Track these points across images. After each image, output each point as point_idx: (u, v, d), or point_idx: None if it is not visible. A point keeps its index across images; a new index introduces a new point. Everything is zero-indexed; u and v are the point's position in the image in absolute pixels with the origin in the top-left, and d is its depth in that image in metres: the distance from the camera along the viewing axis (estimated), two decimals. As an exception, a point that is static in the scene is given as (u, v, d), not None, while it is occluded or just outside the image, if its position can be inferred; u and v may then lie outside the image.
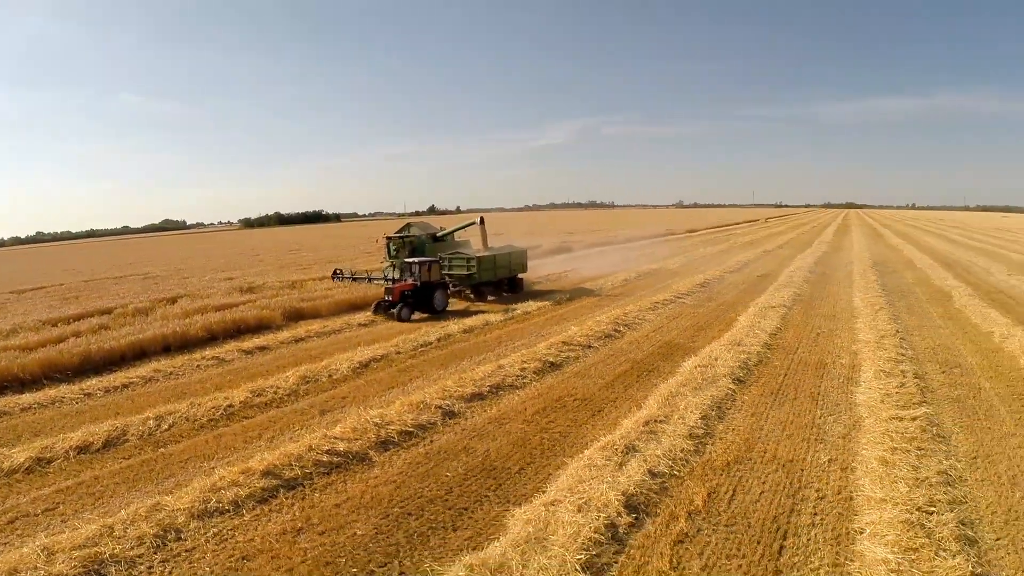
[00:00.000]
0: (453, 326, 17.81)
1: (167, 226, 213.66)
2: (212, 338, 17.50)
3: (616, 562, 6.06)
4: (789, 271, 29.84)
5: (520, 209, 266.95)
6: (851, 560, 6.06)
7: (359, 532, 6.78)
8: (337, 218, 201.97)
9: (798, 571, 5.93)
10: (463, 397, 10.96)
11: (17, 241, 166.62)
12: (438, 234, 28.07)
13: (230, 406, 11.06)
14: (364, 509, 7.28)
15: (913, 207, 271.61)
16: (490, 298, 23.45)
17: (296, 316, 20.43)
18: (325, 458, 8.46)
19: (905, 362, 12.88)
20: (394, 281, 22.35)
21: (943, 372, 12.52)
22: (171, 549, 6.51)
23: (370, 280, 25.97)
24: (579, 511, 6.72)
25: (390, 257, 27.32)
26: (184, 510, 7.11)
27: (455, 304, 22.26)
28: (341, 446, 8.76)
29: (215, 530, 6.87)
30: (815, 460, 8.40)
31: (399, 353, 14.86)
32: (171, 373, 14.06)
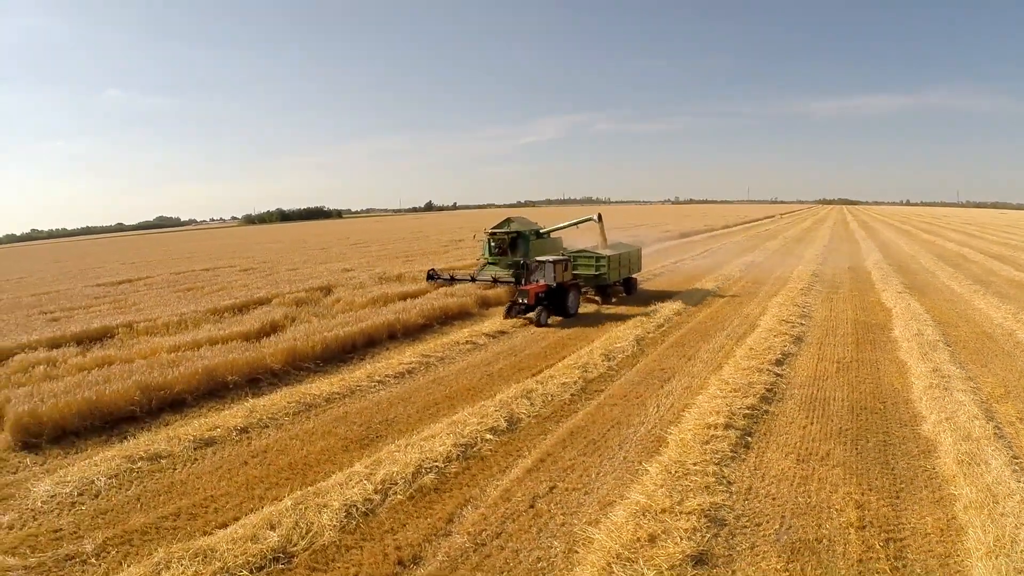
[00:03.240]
0: (661, 314, 19.76)
1: (161, 223, 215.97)
2: (427, 325, 19.19)
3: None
4: (873, 263, 33.84)
5: (513, 205, 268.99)
6: None
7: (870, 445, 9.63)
8: (339, 214, 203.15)
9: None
10: (772, 362, 13.79)
11: (13, 239, 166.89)
12: (541, 230, 27.63)
13: (575, 382, 12.83)
14: (833, 436, 9.88)
15: (907, 203, 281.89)
16: (613, 300, 23.29)
17: (484, 304, 22.39)
18: (750, 410, 10.83)
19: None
20: (521, 282, 21.83)
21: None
22: (752, 494, 8.00)
23: (473, 280, 25.58)
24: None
25: (491, 254, 27.07)
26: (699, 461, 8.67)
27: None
28: (748, 402, 11.18)
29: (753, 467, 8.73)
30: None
31: (650, 333, 17.28)
32: (442, 358, 15.31)
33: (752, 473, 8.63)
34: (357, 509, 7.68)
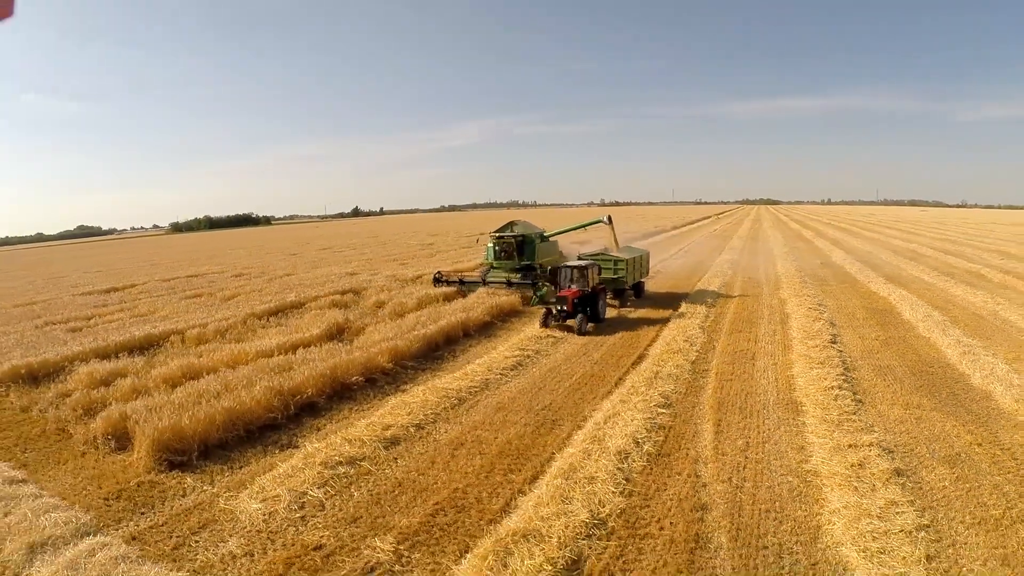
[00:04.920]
0: (696, 310, 22.73)
1: (83, 232, 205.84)
2: (490, 322, 21.23)
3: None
4: (840, 259, 39.56)
5: (438, 210, 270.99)
6: None
7: (943, 395, 12.52)
8: (267, 221, 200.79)
9: None
10: (827, 342, 17.17)
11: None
12: (545, 234, 28.88)
13: (683, 364, 15.29)
14: (914, 391, 12.88)
15: (828, 202, 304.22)
16: (628, 304, 24.26)
17: (527, 301, 23.97)
18: (843, 377, 13.89)
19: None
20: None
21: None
22: (892, 431, 10.88)
23: (485, 283, 26.25)
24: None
25: (497, 258, 27.82)
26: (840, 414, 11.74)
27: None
28: (837, 371, 14.37)
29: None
30: None
31: (707, 323, 20.18)
32: (537, 351, 17.26)
33: (880, 419, 11.58)
34: (618, 477, 9.22)
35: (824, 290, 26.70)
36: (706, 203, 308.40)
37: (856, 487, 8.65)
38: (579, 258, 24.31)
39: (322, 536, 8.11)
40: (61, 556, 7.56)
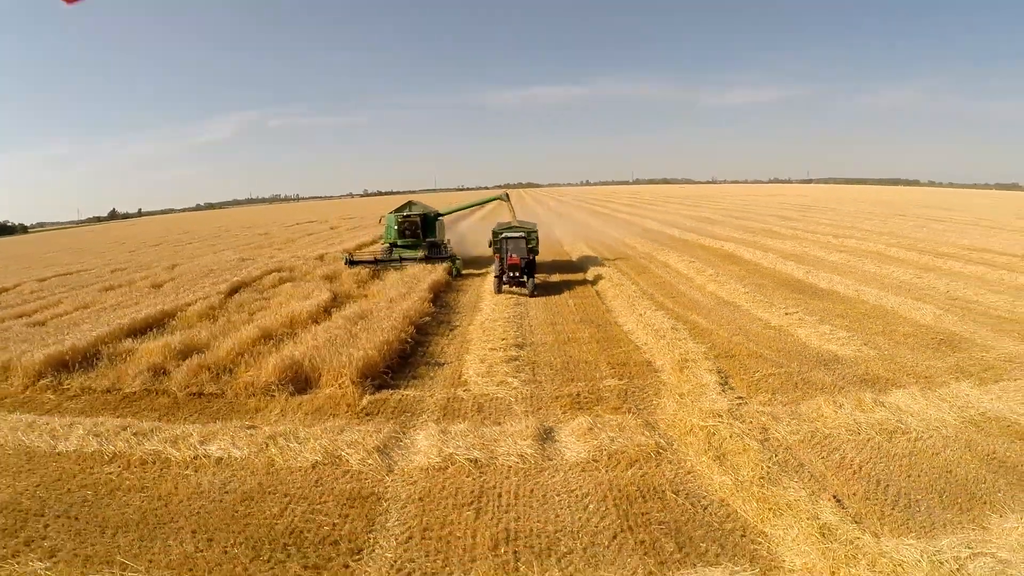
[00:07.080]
0: (602, 267, 30.34)
1: None
2: (449, 283, 25.55)
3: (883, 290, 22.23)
4: (657, 227, 49.80)
5: (194, 209, 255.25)
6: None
7: (829, 300, 21.12)
8: (24, 229, 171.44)
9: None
10: (711, 278, 25.32)
11: None
12: (440, 212, 31.53)
13: (638, 289, 21.53)
14: (802, 299, 21.44)
15: (586, 183, 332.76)
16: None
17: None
18: (744, 288, 21.79)
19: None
20: (504, 255, 24.42)
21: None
22: (806, 312, 19.44)
23: (402, 261, 28.78)
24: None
25: (402, 236, 30.06)
26: (760, 306, 19.95)
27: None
28: (740, 283, 22.50)
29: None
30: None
31: (619, 273, 27.43)
32: (521, 295, 21.89)
33: (787, 304, 19.34)
34: (687, 336, 15.31)
35: (671, 247, 35.50)
36: (468, 188, 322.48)
37: (805, 327, 16.43)
38: (494, 232, 25.96)
39: (569, 389, 12.45)
40: (416, 443, 9.79)
